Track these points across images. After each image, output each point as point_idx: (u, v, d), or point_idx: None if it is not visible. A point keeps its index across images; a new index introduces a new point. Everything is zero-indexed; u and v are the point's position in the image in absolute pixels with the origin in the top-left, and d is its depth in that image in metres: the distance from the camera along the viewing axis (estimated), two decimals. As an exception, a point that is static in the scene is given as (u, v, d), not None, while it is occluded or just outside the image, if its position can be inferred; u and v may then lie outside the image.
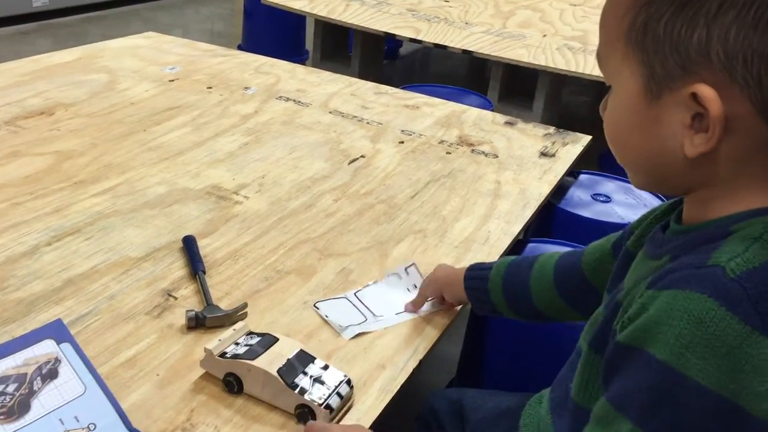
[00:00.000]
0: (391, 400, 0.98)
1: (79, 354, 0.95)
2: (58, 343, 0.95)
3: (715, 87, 0.59)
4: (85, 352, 0.98)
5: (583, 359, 0.74)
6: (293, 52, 4.10)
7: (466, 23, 3.31)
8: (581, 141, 1.96)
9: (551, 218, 1.79)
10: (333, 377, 0.96)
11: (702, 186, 0.65)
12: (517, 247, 1.56)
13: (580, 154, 1.89)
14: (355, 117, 1.99)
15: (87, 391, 0.91)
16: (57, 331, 0.97)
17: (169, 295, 1.15)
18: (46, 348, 0.94)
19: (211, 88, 2.10)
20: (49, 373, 0.91)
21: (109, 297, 1.13)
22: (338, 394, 0.94)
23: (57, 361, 0.93)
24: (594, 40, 3.34)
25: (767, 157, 0.61)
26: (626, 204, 1.88)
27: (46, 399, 0.88)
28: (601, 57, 0.70)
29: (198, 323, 1.07)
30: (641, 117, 0.65)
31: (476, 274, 1.11)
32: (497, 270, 1.09)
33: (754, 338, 0.55)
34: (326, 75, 2.34)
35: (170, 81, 2.11)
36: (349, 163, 1.70)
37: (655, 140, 0.64)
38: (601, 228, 1.76)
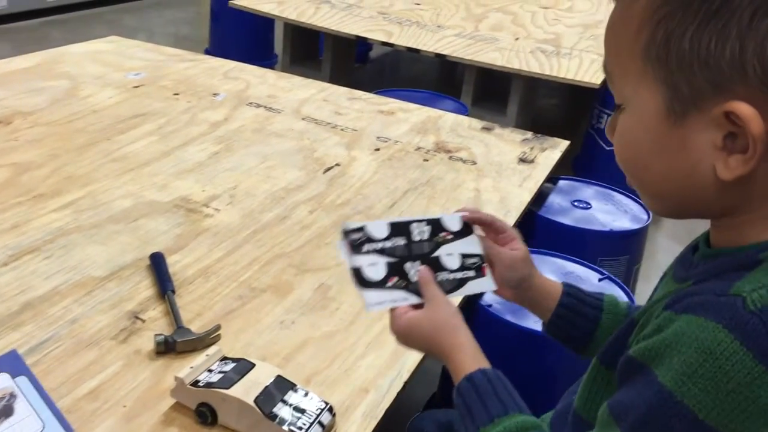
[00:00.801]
0: (375, 426, 0.93)
1: (37, 388, 0.87)
2: (13, 377, 0.88)
3: (751, 104, 0.54)
4: (45, 382, 0.91)
5: (591, 372, 0.72)
6: (262, 56, 4.02)
7: (438, 26, 3.27)
8: (559, 146, 1.93)
9: (532, 226, 1.75)
10: (313, 405, 0.90)
11: (732, 211, 0.60)
12: (498, 257, 1.52)
13: (559, 159, 1.85)
14: (329, 123, 1.93)
15: (45, 429, 0.84)
16: (12, 364, 0.90)
17: (136, 318, 1.08)
18: (0, 383, 0.87)
19: (178, 94, 2.02)
20: (4, 410, 0.84)
21: (70, 321, 1.05)
22: (320, 423, 0.88)
23: (12, 396, 0.86)
24: (566, 42, 3.34)
25: None
26: (606, 210, 1.85)
27: (0, 438, 0.81)
28: (611, 75, 0.65)
29: (168, 348, 1.00)
30: (663, 140, 0.59)
31: (580, 293, 0.91)
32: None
33: (766, 378, 0.51)
34: (298, 80, 2.27)
35: (135, 87, 2.03)
36: (324, 172, 1.64)
37: (681, 164, 0.59)
38: (583, 236, 1.72)
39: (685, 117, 0.57)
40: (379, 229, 0.83)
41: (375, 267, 0.81)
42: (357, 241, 0.82)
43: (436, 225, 0.86)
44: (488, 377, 0.74)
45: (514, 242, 0.87)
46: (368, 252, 0.81)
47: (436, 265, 0.83)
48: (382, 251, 0.82)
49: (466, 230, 0.87)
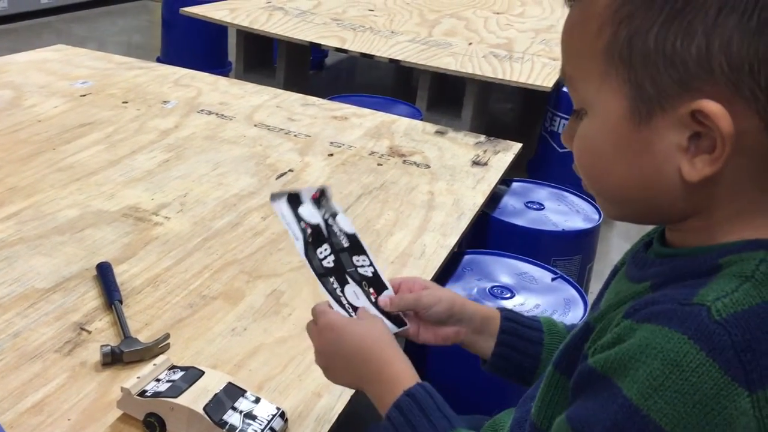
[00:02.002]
0: (329, 429, 0.92)
1: (-24, 404, 0.85)
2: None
3: (719, 102, 0.53)
4: (-15, 399, 0.88)
5: (547, 379, 0.69)
6: (216, 64, 3.98)
7: (392, 32, 3.28)
8: (512, 149, 1.95)
9: (486, 228, 1.77)
10: (265, 411, 0.89)
11: (694, 214, 0.58)
12: (453, 259, 1.52)
13: (511, 162, 1.87)
14: (282, 130, 1.92)
15: (-14, 445, 0.81)
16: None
17: (82, 329, 1.05)
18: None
19: (126, 102, 1.99)
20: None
21: (13, 335, 1.02)
22: (271, 428, 0.87)
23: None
24: (518, 47, 3.38)
25: (764, 183, 0.56)
26: (559, 211, 1.87)
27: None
28: (571, 79, 0.63)
29: (114, 359, 0.98)
30: (627, 142, 0.58)
31: (521, 318, 0.91)
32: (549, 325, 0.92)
33: (732, 389, 0.50)
34: (250, 87, 2.26)
35: (82, 96, 1.99)
36: (277, 178, 1.63)
37: (645, 167, 0.57)
38: (536, 236, 1.74)
39: (650, 118, 0.56)
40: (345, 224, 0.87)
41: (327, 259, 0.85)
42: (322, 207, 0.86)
43: (374, 278, 0.88)
44: (428, 392, 0.73)
45: (427, 286, 0.89)
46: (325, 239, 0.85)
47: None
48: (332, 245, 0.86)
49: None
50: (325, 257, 0.85)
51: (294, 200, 0.85)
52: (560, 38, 0.64)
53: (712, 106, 0.53)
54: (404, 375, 0.76)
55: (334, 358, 0.81)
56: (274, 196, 0.85)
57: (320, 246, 0.85)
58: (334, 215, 0.87)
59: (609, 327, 0.58)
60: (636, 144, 0.57)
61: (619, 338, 0.55)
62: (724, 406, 0.50)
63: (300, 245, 0.83)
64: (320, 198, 0.87)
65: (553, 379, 0.68)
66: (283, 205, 0.84)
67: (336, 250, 0.86)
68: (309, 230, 0.84)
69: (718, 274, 0.55)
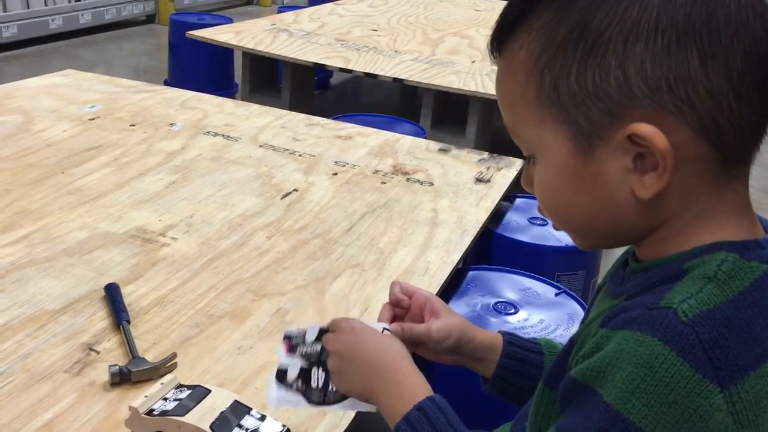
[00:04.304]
0: (334, 448, 0.93)
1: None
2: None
3: (649, 122, 0.56)
4: (-4, 419, 0.90)
5: (537, 395, 0.71)
6: (222, 86, 4.03)
7: (396, 51, 3.32)
8: (515, 165, 1.96)
9: (490, 244, 1.78)
10: (271, 428, 0.90)
11: (655, 228, 0.61)
12: (457, 275, 1.53)
13: (515, 178, 1.89)
14: (287, 150, 1.94)
15: (-3, 464, 0.82)
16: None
17: (91, 350, 1.07)
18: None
19: (134, 125, 2.02)
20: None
21: (23, 356, 1.04)
22: (277, 446, 0.88)
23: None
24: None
25: (713, 185, 0.59)
26: (563, 226, 1.88)
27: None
28: (514, 130, 0.66)
29: (123, 378, 0.99)
30: (580, 176, 0.61)
31: (523, 342, 0.92)
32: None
33: (705, 387, 0.52)
34: (255, 108, 2.29)
35: (90, 120, 2.02)
36: (282, 198, 1.65)
37: (600, 195, 0.60)
38: (540, 252, 1.75)
39: (592, 150, 0.59)
40: (311, 332, 0.86)
41: (294, 369, 0.84)
42: (294, 343, 0.86)
43: None
44: (438, 406, 0.73)
45: (438, 313, 0.88)
46: (299, 354, 0.85)
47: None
48: (304, 354, 0.85)
49: None
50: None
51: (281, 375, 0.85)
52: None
53: (643, 128, 0.56)
54: (419, 389, 0.76)
55: (350, 361, 0.80)
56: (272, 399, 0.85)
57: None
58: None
59: (588, 338, 0.60)
60: (588, 176, 0.60)
61: (597, 347, 0.57)
62: (699, 404, 0.52)
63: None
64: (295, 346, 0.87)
65: (543, 395, 0.70)
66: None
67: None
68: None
69: (684, 278, 0.57)
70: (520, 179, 0.70)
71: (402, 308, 0.90)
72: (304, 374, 0.84)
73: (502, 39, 0.64)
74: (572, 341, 0.67)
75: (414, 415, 0.72)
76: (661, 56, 0.55)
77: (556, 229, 0.69)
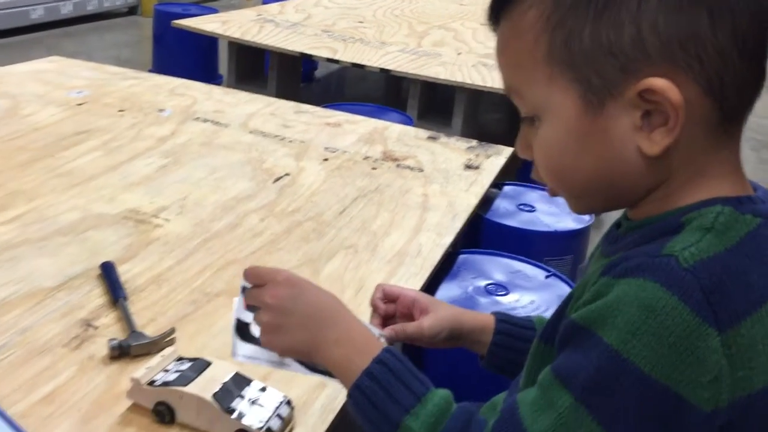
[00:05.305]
0: (334, 418, 0.94)
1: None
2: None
3: (662, 77, 0.58)
4: (-3, 390, 0.90)
5: (532, 351, 0.73)
6: (207, 77, 3.99)
7: (382, 43, 3.33)
8: (504, 153, 1.99)
9: (479, 229, 1.80)
10: (272, 399, 0.91)
11: (654, 189, 0.63)
12: (448, 259, 1.55)
13: (503, 165, 1.91)
14: (277, 136, 1.95)
15: (-2, 435, 0.83)
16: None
17: (88, 325, 1.07)
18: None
19: (123, 111, 2.01)
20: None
21: (21, 330, 1.04)
22: (278, 416, 0.89)
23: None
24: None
25: (712, 144, 0.61)
26: (550, 213, 1.90)
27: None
28: (517, 91, 0.67)
29: (122, 352, 1.00)
30: (587, 135, 0.62)
31: (515, 319, 0.94)
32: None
33: (704, 330, 0.55)
34: (244, 95, 2.29)
35: (78, 105, 2.01)
36: (274, 182, 1.66)
37: (607, 153, 0.62)
38: (528, 237, 1.77)
39: (602, 107, 0.61)
40: None
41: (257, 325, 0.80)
42: None
43: None
44: (397, 357, 0.71)
45: (427, 309, 0.90)
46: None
47: None
48: None
49: None
50: None
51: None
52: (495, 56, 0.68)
53: (658, 82, 0.58)
54: (371, 341, 0.74)
55: (291, 314, 0.76)
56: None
57: None
58: None
59: (587, 288, 0.62)
60: (596, 134, 0.62)
61: (598, 294, 0.59)
62: (697, 346, 0.54)
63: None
64: None
65: (538, 350, 0.72)
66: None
67: None
68: None
69: (683, 230, 0.60)
70: (515, 145, 0.71)
71: (378, 314, 0.91)
72: None
73: (506, 2, 0.65)
74: (570, 295, 0.69)
75: (375, 369, 0.69)
76: (674, 14, 0.57)
77: (553, 194, 0.70)
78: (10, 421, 0.85)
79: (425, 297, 0.93)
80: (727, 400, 0.55)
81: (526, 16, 0.63)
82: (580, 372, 0.58)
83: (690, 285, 0.55)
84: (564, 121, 0.63)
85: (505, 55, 0.68)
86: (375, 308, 0.91)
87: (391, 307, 0.92)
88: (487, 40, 3.57)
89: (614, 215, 0.73)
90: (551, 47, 0.62)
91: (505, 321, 0.93)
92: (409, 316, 0.91)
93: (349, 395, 0.71)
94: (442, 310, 0.91)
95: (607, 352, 0.56)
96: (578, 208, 0.72)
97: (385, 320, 0.92)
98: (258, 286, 0.80)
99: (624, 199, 0.67)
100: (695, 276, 0.55)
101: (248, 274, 0.81)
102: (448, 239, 1.47)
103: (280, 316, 0.77)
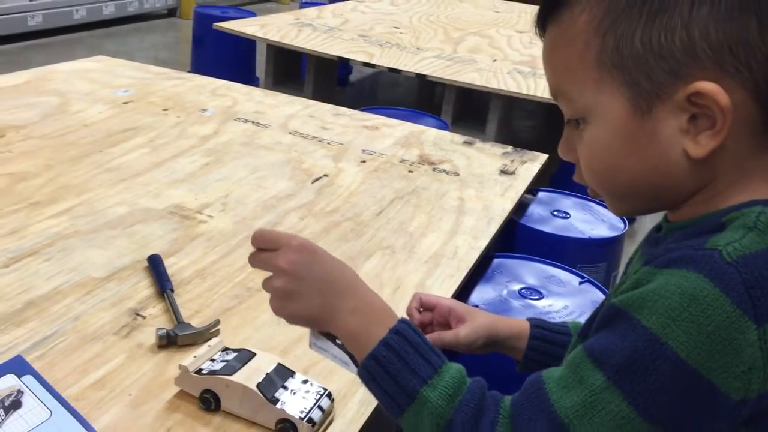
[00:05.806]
0: (372, 412, 0.97)
1: (42, 383, 0.91)
2: (19, 377, 0.91)
3: (711, 81, 0.59)
4: (52, 373, 0.94)
5: (570, 348, 0.74)
6: (244, 79, 4.02)
7: (418, 48, 3.36)
8: (539, 159, 2.00)
9: (513, 234, 1.81)
10: (313, 391, 0.94)
11: (697, 191, 0.65)
12: (483, 262, 1.57)
13: (539, 171, 1.92)
14: (315, 137, 1.99)
15: (53, 415, 0.87)
16: (18, 367, 0.93)
17: (137, 315, 1.11)
18: (7, 383, 0.90)
19: (167, 110, 2.06)
20: (13, 404, 0.87)
21: (73, 318, 1.08)
22: (319, 407, 0.92)
23: (19, 392, 0.89)
24: (542, 64, 3.44)
25: (756, 147, 0.63)
26: (585, 220, 1.91)
27: (10, 428, 0.84)
28: (565, 94, 0.68)
29: (169, 341, 1.04)
30: (634, 137, 0.64)
31: (550, 324, 0.95)
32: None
33: (743, 322, 0.56)
34: (283, 97, 2.33)
35: (124, 103, 2.07)
36: (313, 182, 1.69)
37: (653, 155, 0.64)
38: (562, 243, 1.78)
39: (650, 110, 0.62)
40: None
41: None
42: None
43: None
44: (413, 329, 0.70)
45: (464, 318, 0.91)
46: None
47: None
48: None
49: None
50: None
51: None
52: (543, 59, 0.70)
53: (707, 86, 0.60)
54: (389, 312, 0.72)
55: (306, 281, 0.73)
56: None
57: None
58: None
59: (628, 278, 0.64)
60: (643, 137, 0.63)
61: (639, 282, 0.61)
62: (735, 337, 0.56)
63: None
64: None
65: (576, 345, 0.72)
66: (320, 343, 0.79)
67: None
68: None
69: (725, 229, 0.61)
70: (558, 148, 0.73)
71: (413, 322, 0.88)
72: None
73: (556, 8, 0.67)
74: (608, 296, 0.70)
75: (392, 339, 0.68)
76: (725, 20, 0.59)
77: (594, 195, 0.72)
78: (65, 404, 0.89)
79: (461, 306, 0.94)
80: (757, 391, 0.57)
81: (577, 21, 0.65)
82: (616, 352, 0.59)
83: (732, 278, 0.57)
84: (611, 123, 0.65)
85: (553, 59, 0.69)
86: (410, 317, 0.92)
87: (427, 316, 0.93)
88: (522, 48, 3.58)
89: (647, 228, 0.73)
90: (602, 51, 0.63)
91: (541, 327, 0.94)
92: (446, 325, 0.93)
93: (363, 365, 0.69)
94: (478, 319, 0.92)
95: (646, 335, 0.58)
96: (620, 210, 0.74)
97: (421, 329, 0.93)
98: (267, 250, 0.77)
99: (667, 201, 0.68)
100: (738, 270, 0.57)
101: (257, 238, 0.77)
102: (483, 242, 1.49)
103: (294, 282, 0.73)
